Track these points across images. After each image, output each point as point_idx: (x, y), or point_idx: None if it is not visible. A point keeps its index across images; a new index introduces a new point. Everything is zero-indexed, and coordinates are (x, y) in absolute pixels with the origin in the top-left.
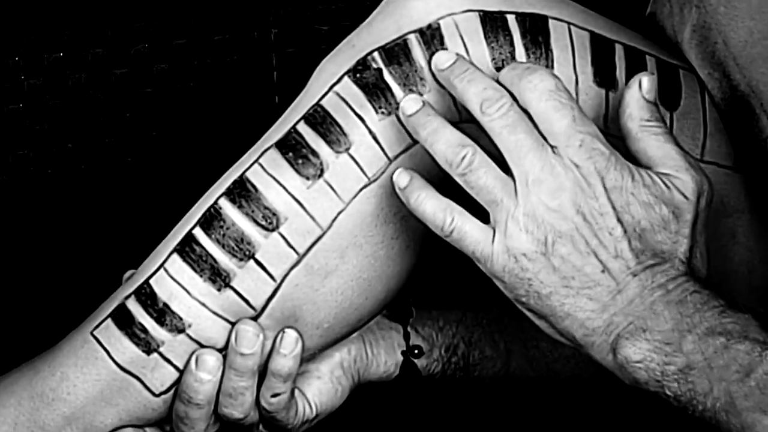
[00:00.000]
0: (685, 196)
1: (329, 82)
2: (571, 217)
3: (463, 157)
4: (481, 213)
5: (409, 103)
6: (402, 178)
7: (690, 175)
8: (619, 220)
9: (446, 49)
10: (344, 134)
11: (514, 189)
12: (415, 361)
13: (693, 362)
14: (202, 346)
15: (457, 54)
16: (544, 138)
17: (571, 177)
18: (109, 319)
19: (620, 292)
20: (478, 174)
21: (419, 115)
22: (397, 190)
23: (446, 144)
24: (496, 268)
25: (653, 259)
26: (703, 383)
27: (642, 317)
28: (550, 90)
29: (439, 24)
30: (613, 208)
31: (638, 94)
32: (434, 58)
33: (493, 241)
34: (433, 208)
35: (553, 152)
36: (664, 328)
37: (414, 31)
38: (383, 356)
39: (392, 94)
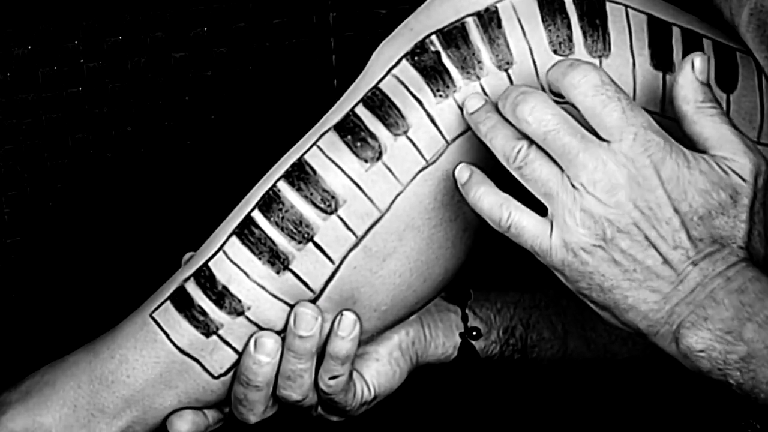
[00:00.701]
0: (743, 179)
1: (387, 65)
2: (629, 212)
3: (519, 151)
4: (539, 207)
5: (471, 101)
6: (462, 173)
7: (747, 157)
8: (676, 211)
9: (504, 32)
10: (402, 117)
11: (570, 183)
12: (473, 343)
13: (754, 351)
14: (260, 328)
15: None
16: (597, 134)
17: (626, 173)
18: (169, 302)
19: (681, 282)
20: (533, 167)
21: (480, 113)
22: (458, 185)
23: (504, 139)
24: (555, 262)
25: (712, 246)
26: (764, 371)
27: (703, 306)
28: (595, 85)
29: (496, 7)
30: (669, 198)
31: (692, 76)
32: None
33: (551, 234)
34: (491, 203)
35: (607, 147)
36: (724, 316)
37: (472, 15)
38: (441, 338)
39: (450, 77)
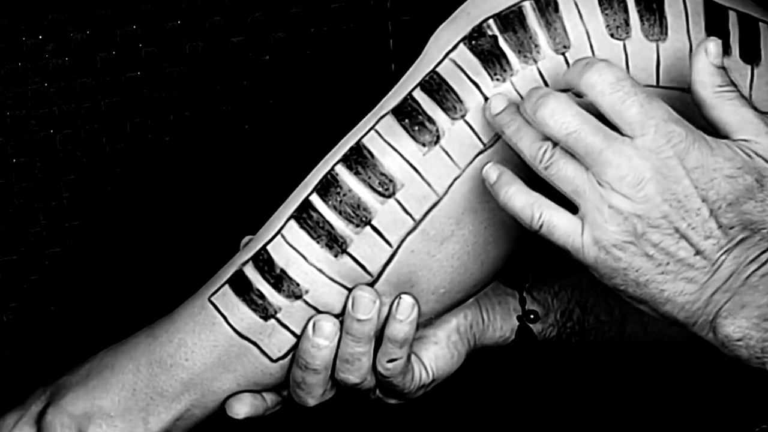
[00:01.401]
0: (767, 161)
1: (445, 49)
2: (657, 206)
3: (544, 151)
4: (570, 206)
5: (494, 102)
6: (491, 173)
7: None
8: (704, 200)
9: (561, 16)
10: (460, 101)
11: (597, 181)
12: (531, 326)
13: None
14: (318, 312)
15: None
16: (619, 131)
17: (650, 166)
18: (227, 286)
19: (716, 271)
20: (558, 165)
21: (504, 115)
22: (487, 186)
23: (529, 140)
24: (588, 260)
25: (743, 232)
26: None
27: (739, 293)
28: (612, 82)
29: None
30: (696, 188)
31: (706, 60)
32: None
33: (582, 232)
34: (522, 203)
35: (630, 142)
36: (761, 302)
37: None
38: (499, 321)
39: (507, 61)
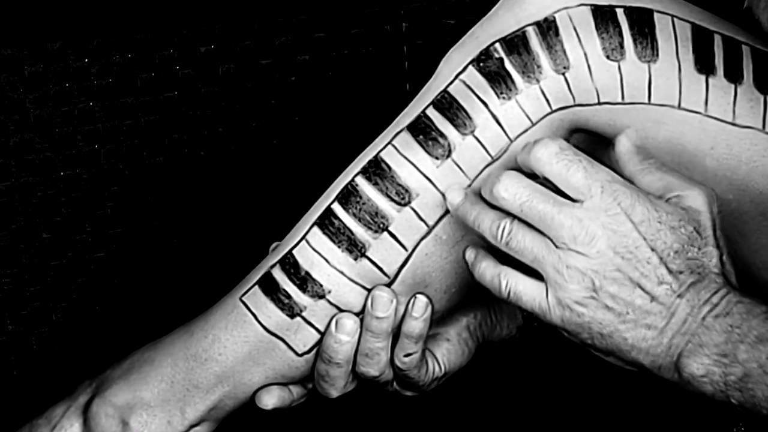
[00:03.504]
0: (700, 209)
1: (455, 70)
2: (610, 259)
3: (503, 229)
4: (537, 273)
5: (452, 195)
6: (470, 255)
7: (697, 190)
8: (653, 249)
9: (561, 39)
10: (469, 118)
11: (554, 245)
12: (535, 323)
13: (749, 370)
14: (340, 310)
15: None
16: (569, 197)
17: (600, 224)
18: (257, 286)
19: (672, 315)
20: (517, 238)
21: (465, 205)
22: (468, 265)
23: (488, 222)
24: (555, 320)
25: (692, 276)
26: (761, 388)
27: (697, 334)
28: (556, 153)
29: (554, 17)
30: (645, 239)
31: (624, 149)
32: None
33: (547, 295)
34: (491, 275)
35: (580, 205)
36: (718, 341)
37: (532, 24)
38: (505, 320)
39: (512, 81)
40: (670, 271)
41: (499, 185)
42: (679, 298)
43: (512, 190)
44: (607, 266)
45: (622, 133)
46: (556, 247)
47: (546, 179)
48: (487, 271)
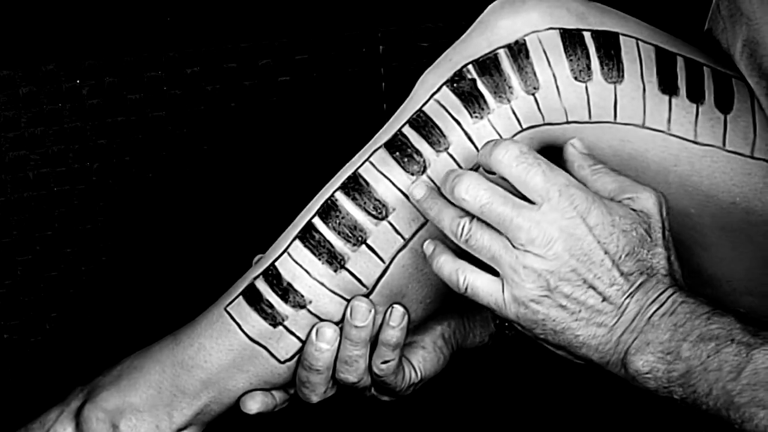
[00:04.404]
0: (650, 212)
1: (430, 91)
2: (566, 261)
3: (462, 227)
4: (493, 269)
5: (416, 190)
6: (428, 247)
7: (647, 192)
8: (606, 252)
9: (531, 62)
10: (444, 136)
11: (511, 245)
12: (507, 332)
13: (691, 367)
14: (321, 319)
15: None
16: (527, 199)
17: (557, 227)
18: (241, 297)
19: (622, 314)
20: (476, 237)
21: (427, 199)
22: (427, 257)
23: (449, 219)
24: (510, 315)
25: (641, 277)
26: (702, 385)
27: (644, 332)
28: (516, 156)
29: (525, 40)
30: (599, 242)
31: (576, 151)
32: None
33: (503, 291)
34: (449, 270)
35: (537, 208)
36: (663, 339)
37: (503, 47)
38: (478, 328)
39: (485, 101)
40: (621, 273)
41: (460, 186)
42: (628, 297)
43: (473, 192)
44: (562, 268)
45: (573, 139)
46: (514, 247)
47: (504, 179)
48: (446, 265)
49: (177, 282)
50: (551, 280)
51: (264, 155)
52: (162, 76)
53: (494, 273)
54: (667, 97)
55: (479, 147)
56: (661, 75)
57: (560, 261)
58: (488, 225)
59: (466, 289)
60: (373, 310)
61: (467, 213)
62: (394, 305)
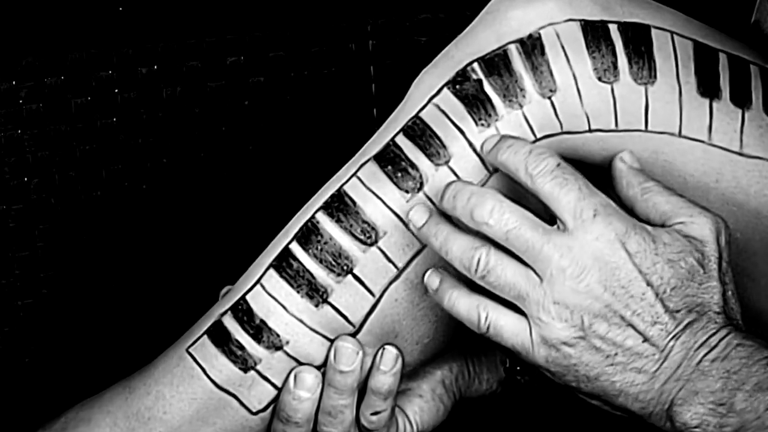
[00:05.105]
0: (705, 240)
1: (428, 93)
2: (600, 295)
3: (478, 260)
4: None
5: (416, 215)
6: (432, 280)
7: (704, 217)
8: (649, 284)
9: (547, 59)
10: (444, 147)
11: (539, 278)
12: (519, 378)
13: (746, 421)
14: (300, 363)
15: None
16: (559, 219)
17: (590, 253)
18: (205, 336)
19: (666, 358)
20: (496, 273)
21: (429, 226)
22: (430, 292)
23: (459, 250)
24: (538, 360)
25: (690, 315)
26: None
27: (691, 380)
28: (551, 170)
29: (539, 34)
30: (640, 272)
31: (625, 166)
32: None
33: (530, 332)
34: (466, 306)
35: (569, 234)
36: (714, 388)
37: (514, 42)
38: (485, 373)
39: (492, 106)
40: (666, 309)
41: (483, 209)
42: (673, 339)
43: (497, 216)
44: (596, 302)
45: (624, 152)
46: (540, 280)
47: (529, 193)
48: (461, 302)
49: (129, 319)
50: (585, 318)
51: (233, 170)
52: (113, 76)
53: (518, 310)
54: (707, 101)
55: (486, 158)
56: (701, 75)
57: (593, 294)
58: (508, 253)
59: (488, 329)
60: (360, 352)
61: (481, 240)
62: (386, 346)
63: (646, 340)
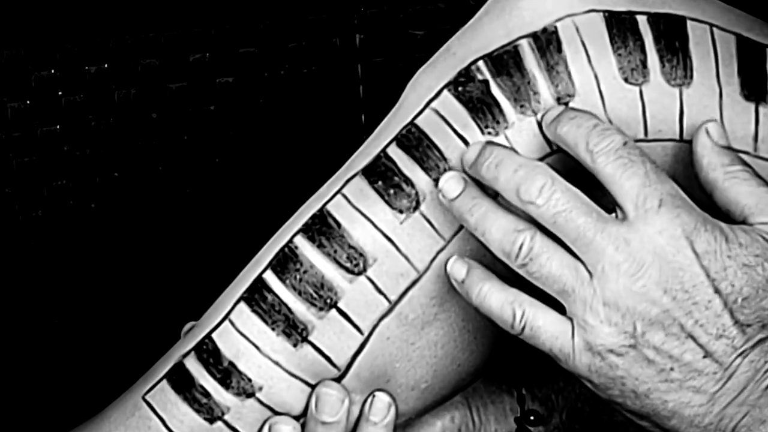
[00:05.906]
0: None
1: (425, 97)
2: (658, 299)
3: (521, 246)
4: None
5: (450, 184)
6: (458, 269)
7: None
8: (717, 291)
9: (564, 57)
10: (444, 159)
11: (588, 273)
12: (532, 429)
13: None
14: (275, 412)
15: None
16: (618, 206)
17: (651, 249)
18: (165, 381)
19: (729, 378)
20: (540, 262)
21: (464, 198)
22: (455, 284)
23: (500, 231)
24: (580, 368)
25: (763, 332)
26: None
27: (758, 406)
28: (616, 149)
29: (555, 27)
30: (708, 276)
31: (710, 142)
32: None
33: (573, 335)
34: (499, 302)
35: (629, 224)
36: None
37: (526, 36)
38: (492, 424)
39: (501, 111)
40: (735, 322)
41: (532, 185)
42: (740, 357)
43: (548, 194)
44: (653, 307)
45: (709, 122)
46: (590, 275)
47: (587, 173)
48: (493, 296)
49: (79, 360)
50: (638, 325)
51: (196, 185)
52: (56, 75)
53: (559, 309)
54: (752, 105)
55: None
56: (745, 75)
57: (650, 297)
58: (555, 241)
59: (523, 329)
60: (346, 400)
61: (526, 223)
62: (377, 393)
63: (707, 355)
